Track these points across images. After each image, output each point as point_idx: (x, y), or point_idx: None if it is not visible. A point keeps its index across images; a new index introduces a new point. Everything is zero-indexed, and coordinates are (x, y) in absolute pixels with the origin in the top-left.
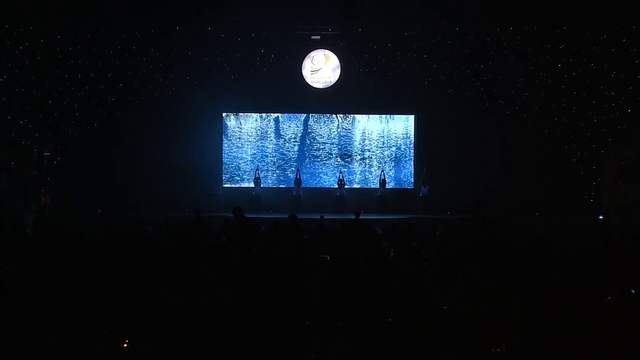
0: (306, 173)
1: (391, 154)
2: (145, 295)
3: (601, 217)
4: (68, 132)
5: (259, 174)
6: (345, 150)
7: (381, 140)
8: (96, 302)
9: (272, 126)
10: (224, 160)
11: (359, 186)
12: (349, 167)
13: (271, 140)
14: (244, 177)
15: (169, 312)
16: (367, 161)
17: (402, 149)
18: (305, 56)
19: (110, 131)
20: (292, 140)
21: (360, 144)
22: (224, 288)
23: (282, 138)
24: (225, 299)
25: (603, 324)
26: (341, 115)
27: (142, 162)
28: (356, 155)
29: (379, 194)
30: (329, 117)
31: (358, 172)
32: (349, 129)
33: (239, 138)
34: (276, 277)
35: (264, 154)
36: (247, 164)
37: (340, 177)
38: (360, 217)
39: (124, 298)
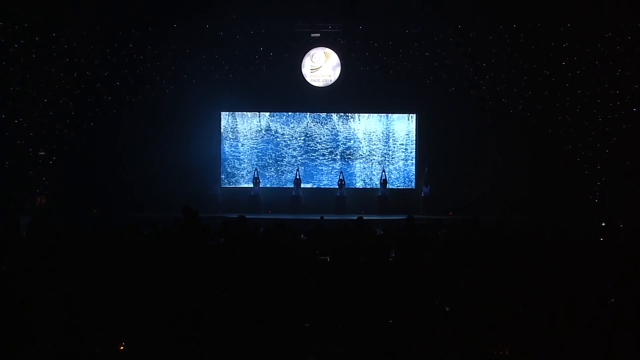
0: (306, 173)
1: (392, 154)
2: (143, 297)
3: (603, 224)
4: (64, 131)
5: (257, 174)
6: (345, 150)
7: (382, 139)
8: (93, 304)
9: (271, 125)
10: (222, 160)
11: (359, 186)
12: (349, 167)
13: (270, 139)
14: (243, 177)
15: (167, 313)
16: (368, 161)
17: (403, 149)
18: (305, 54)
19: (106, 130)
20: (292, 139)
21: (361, 143)
22: (222, 289)
23: (281, 137)
24: (224, 301)
25: (608, 326)
26: (342, 114)
27: (139, 162)
28: (357, 155)
29: (379, 194)
30: (329, 116)
31: (359, 172)
32: (350, 128)
33: (237, 137)
34: (275, 278)
35: (263, 153)
36: (245, 164)
37: (341, 177)
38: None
39: (121, 300)
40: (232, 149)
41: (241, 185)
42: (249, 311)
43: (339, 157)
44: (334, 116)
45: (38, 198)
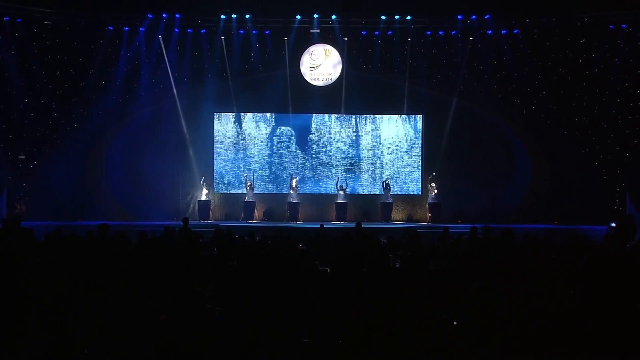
0: (304, 178)
1: (397, 157)
2: (130, 310)
3: (613, 224)
4: (45, 133)
5: (252, 179)
6: (346, 153)
7: (386, 142)
8: (76, 318)
9: (268, 127)
10: (215, 164)
11: (362, 192)
12: (350, 171)
13: (267, 142)
14: (237, 182)
15: (156, 328)
16: (371, 165)
17: (408, 152)
18: (304, 51)
19: (91, 132)
20: (289, 142)
21: (362, 146)
22: (215, 302)
23: (278, 140)
24: (217, 314)
25: (625, 341)
26: (342, 116)
27: (127, 166)
28: (358, 159)
29: (383, 200)
30: (329, 117)
31: (361, 177)
32: (351, 130)
33: (232, 140)
34: (272, 291)
35: (259, 157)
36: (240, 168)
37: (340, 183)
38: (364, 225)
39: (106, 313)
40: (226, 153)
41: (235, 191)
42: (243, 326)
43: (339, 160)
44: (334, 117)
45: (17, 205)
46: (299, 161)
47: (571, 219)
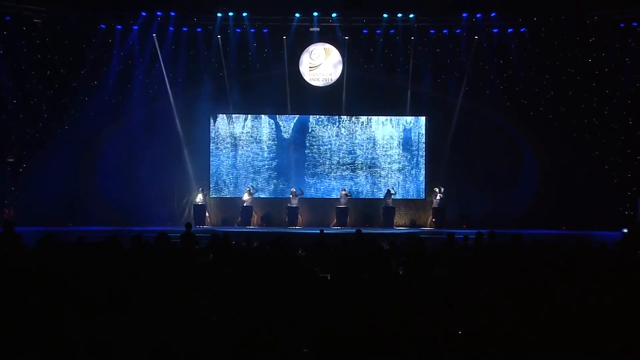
0: (304, 182)
1: (399, 160)
2: (123, 319)
3: (625, 230)
4: (35, 135)
5: (251, 183)
6: (347, 156)
7: (388, 144)
8: (68, 326)
9: (266, 129)
10: (212, 167)
11: (363, 197)
12: (351, 175)
13: (265, 145)
14: (235, 186)
15: (150, 337)
16: (372, 168)
17: (411, 154)
18: (303, 50)
19: (83, 134)
20: (288, 145)
21: (364, 149)
22: (212, 310)
23: (277, 142)
24: (214, 323)
25: (633, 346)
26: (343, 117)
27: (120, 169)
28: (360, 162)
29: (385, 205)
30: (329, 119)
31: (362, 181)
32: (352, 132)
33: (229, 143)
34: (270, 298)
35: (257, 160)
36: (237, 172)
37: (344, 192)
38: (366, 231)
39: (99, 321)
40: (223, 156)
41: (233, 196)
42: (241, 335)
43: (340, 163)
44: (335, 119)
45: (6, 209)
46: (299, 164)
47: (580, 224)
